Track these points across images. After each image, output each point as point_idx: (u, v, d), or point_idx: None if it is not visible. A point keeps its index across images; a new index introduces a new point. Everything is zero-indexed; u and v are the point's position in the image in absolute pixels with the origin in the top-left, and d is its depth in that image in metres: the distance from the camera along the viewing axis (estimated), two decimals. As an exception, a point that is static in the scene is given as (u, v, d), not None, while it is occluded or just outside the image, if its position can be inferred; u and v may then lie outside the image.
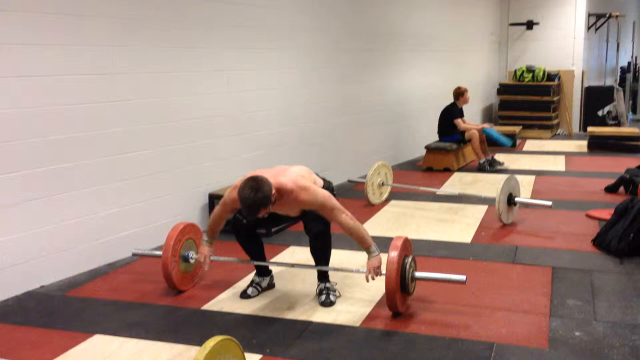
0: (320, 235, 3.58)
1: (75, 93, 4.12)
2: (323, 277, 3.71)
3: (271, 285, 3.88)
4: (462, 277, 3.43)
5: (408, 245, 3.54)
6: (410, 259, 3.45)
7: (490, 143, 8.37)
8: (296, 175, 3.45)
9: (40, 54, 3.89)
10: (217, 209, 3.66)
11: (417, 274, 3.50)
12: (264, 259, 3.83)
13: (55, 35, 3.98)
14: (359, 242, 3.47)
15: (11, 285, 3.81)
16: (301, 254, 4.54)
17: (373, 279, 3.46)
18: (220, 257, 3.91)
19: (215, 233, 3.74)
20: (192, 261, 3.87)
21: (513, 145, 8.21)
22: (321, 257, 3.66)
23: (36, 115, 3.89)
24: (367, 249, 3.47)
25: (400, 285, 3.37)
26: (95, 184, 4.31)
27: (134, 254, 4.14)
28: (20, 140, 3.81)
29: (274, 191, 3.25)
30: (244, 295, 3.75)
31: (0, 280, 3.75)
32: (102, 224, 4.39)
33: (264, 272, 3.85)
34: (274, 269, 3.99)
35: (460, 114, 8.32)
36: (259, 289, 3.80)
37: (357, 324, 3.34)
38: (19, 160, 3.81)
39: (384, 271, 3.36)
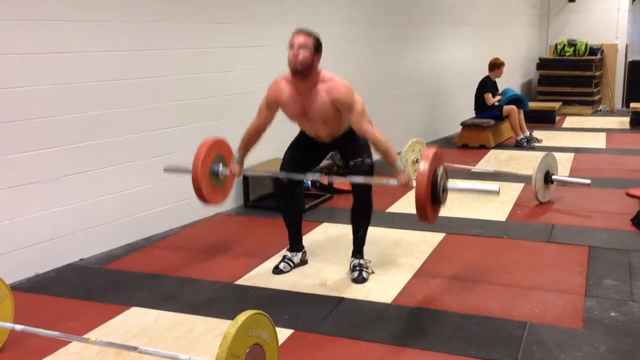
0: (364, 202, 3.57)
1: (110, 69, 4.17)
2: (358, 252, 3.72)
3: (304, 261, 3.90)
4: (495, 187, 3.33)
5: (439, 157, 3.39)
6: (441, 169, 3.33)
7: (514, 103, 8.17)
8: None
9: (76, 30, 3.94)
10: (253, 120, 3.70)
11: (450, 184, 3.38)
12: (300, 231, 3.85)
13: (91, 11, 4.02)
14: (383, 155, 3.43)
15: (52, 257, 3.92)
16: (334, 230, 4.55)
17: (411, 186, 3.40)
18: (255, 172, 3.88)
19: (247, 149, 3.75)
20: (221, 177, 3.82)
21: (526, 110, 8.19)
22: (362, 224, 3.68)
23: (73, 91, 3.95)
24: (393, 164, 3.42)
25: (432, 196, 3.26)
26: (131, 160, 4.38)
27: (165, 170, 4.09)
28: (58, 115, 3.88)
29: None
30: (277, 270, 3.78)
31: (42, 253, 3.86)
32: (138, 199, 4.47)
33: (296, 247, 3.88)
34: (306, 244, 4.01)
35: (492, 88, 8.14)
36: (292, 264, 3.83)
37: (389, 301, 3.35)
38: (57, 136, 3.89)
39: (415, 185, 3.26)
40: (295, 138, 3.81)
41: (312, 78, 3.39)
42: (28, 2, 3.66)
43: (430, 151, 3.32)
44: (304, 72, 3.35)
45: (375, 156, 3.54)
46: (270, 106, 3.61)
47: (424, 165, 3.22)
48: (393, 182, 3.48)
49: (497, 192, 3.34)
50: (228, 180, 3.92)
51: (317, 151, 3.78)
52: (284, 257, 3.85)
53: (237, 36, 5.15)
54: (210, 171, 3.78)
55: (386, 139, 3.44)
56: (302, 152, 3.74)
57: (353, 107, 3.39)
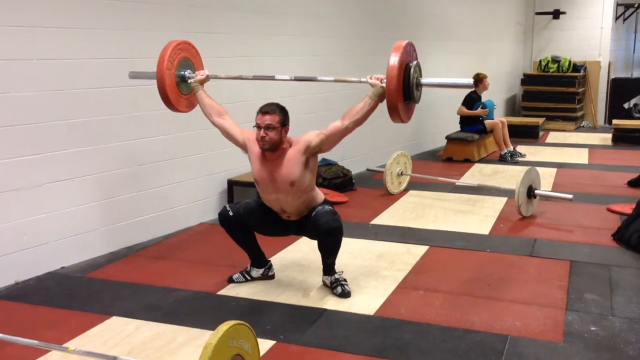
0: (333, 231, 3.45)
1: (96, 77, 4.16)
2: (330, 269, 3.66)
3: (268, 276, 3.82)
4: (469, 81, 3.24)
5: (412, 50, 3.20)
6: (414, 63, 3.13)
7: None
8: None
9: (62, 38, 3.93)
10: (228, 117, 3.68)
11: (423, 80, 3.21)
12: (255, 250, 3.76)
13: (79, 19, 4.01)
14: (357, 110, 3.43)
15: (33, 265, 3.88)
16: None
17: (379, 80, 3.30)
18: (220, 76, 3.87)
19: (208, 99, 3.69)
20: (190, 81, 3.69)
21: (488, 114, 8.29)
22: (333, 253, 3.61)
23: (58, 98, 3.94)
24: (368, 96, 3.35)
25: (404, 93, 3.06)
26: (115, 168, 4.36)
27: (130, 76, 3.97)
28: (42, 122, 3.86)
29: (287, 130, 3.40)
30: (230, 279, 3.77)
31: (23, 261, 3.82)
32: (122, 207, 4.44)
33: (256, 263, 3.81)
34: (291, 255, 4.01)
35: (472, 102, 8.18)
36: (247, 277, 3.78)
37: (371, 313, 3.35)
38: (41, 143, 3.86)
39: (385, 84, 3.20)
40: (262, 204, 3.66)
41: (281, 149, 3.43)
42: (14, 8, 3.65)
43: (402, 43, 3.06)
44: (273, 149, 3.41)
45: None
46: (241, 136, 3.58)
47: (394, 59, 2.93)
48: (363, 79, 3.34)
49: (470, 85, 3.27)
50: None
51: (280, 225, 3.66)
52: (244, 268, 3.83)
53: (223, 46, 5.15)
54: (177, 76, 3.62)
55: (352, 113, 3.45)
56: (263, 218, 3.63)
57: (313, 132, 3.44)
